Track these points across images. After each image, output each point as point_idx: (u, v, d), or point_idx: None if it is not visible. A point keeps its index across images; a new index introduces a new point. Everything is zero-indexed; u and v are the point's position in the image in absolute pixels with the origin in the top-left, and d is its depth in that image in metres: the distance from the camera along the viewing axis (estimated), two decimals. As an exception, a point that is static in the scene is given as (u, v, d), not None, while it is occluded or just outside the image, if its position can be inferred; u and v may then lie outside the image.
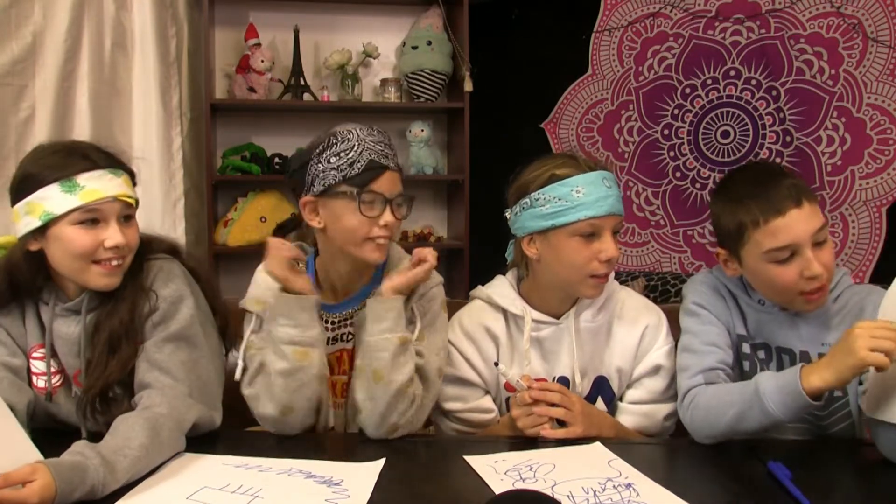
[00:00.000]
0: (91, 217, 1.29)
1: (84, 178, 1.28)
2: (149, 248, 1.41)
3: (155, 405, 1.26)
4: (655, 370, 1.49)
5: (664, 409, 1.49)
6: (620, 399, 1.52)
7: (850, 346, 1.19)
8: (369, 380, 1.37)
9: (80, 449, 1.10)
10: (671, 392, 1.48)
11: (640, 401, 1.50)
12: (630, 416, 1.50)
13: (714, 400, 1.34)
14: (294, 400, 1.38)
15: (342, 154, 1.38)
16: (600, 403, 1.51)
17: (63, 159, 1.30)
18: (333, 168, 1.38)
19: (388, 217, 1.39)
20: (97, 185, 1.29)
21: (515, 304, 1.51)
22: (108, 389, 1.31)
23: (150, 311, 1.35)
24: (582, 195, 1.40)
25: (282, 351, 1.37)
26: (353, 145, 1.38)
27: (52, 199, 1.27)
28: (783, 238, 1.33)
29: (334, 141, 1.39)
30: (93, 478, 1.07)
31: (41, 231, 1.29)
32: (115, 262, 1.31)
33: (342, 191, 1.38)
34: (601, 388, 1.52)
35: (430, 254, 1.43)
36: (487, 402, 1.51)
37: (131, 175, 1.38)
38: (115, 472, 1.10)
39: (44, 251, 1.32)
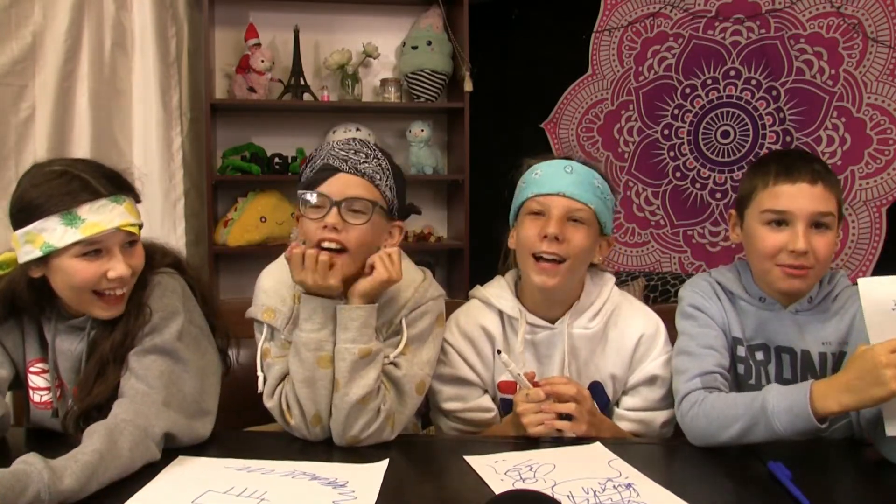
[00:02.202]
0: (93, 249, 1.27)
1: (85, 211, 1.25)
2: (151, 261, 1.39)
3: (121, 412, 1.24)
4: (652, 380, 1.48)
5: (661, 416, 1.48)
6: (616, 404, 1.52)
7: (878, 377, 1.15)
8: (334, 388, 1.36)
9: (25, 457, 1.08)
10: (668, 401, 1.47)
11: (637, 408, 1.49)
12: (627, 422, 1.49)
13: (717, 411, 1.31)
14: (321, 408, 1.35)
15: (310, 164, 1.40)
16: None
17: (63, 187, 1.25)
18: (303, 178, 1.40)
19: (329, 218, 1.33)
20: (98, 218, 1.26)
21: (511, 306, 1.51)
22: (92, 411, 1.29)
23: (141, 323, 1.33)
24: (538, 176, 1.45)
25: (307, 357, 1.34)
26: (322, 154, 1.39)
27: (52, 231, 1.24)
28: (783, 203, 1.36)
29: (314, 155, 1.41)
30: (36, 484, 1.03)
31: (43, 260, 1.27)
32: (118, 292, 1.31)
33: (301, 197, 1.37)
34: (595, 394, 1.48)
35: (378, 257, 1.36)
36: (487, 401, 1.51)
37: (135, 195, 1.35)
38: (61, 478, 1.06)
39: (46, 277, 1.30)
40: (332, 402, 1.34)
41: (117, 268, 1.28)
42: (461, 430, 1.51)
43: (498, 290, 1.54)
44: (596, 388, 1.50)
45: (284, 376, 1.39)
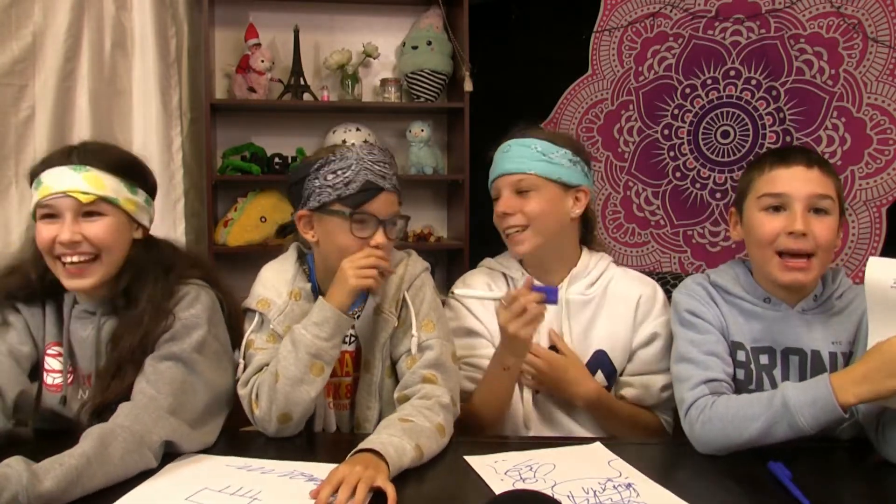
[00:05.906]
0: (48, 213, 1.32)
1: (45, 175, 1.32)
2: (174, 268, 1.40)
3: (120, 417, 1.24)
4: (651, 339, 1.55)
5: (660, 379, 1.54)
6: (622, 374, 1.58)
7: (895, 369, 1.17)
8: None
9: (8, 461, 1.07)
10: (666, 363, 1.50)
11: (637, 372, 1.55)
12: (629, 388, 1.56)
13: (731, 413, 1.28)
14: (294, 410, 1.36)
15: (339, 172, 1.38)
16: (600, 376, 1.56)
17: (49, 158, 1.34)
18: (329, 185, 1.38)
19: (379, 238, 1.39)
20: (50, 182, 1.31)
21: (516, 267, 1.61)
22: (106, 409, 1.29)
23: (163, 330, 1.33)
24: (492, 164, 1.60)
25: (303, 359, 1.34)
26: (351, 164, 1.38)
27: (32, 196, 1.34)
28: (779, 186, 1.36)
29: (333, 158, 1.39)
30: (14, 486, 1.02)
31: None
32: (72, 259, 1.31)
33: (336, 209, 1.38)
34: (601, 363, 1.56)
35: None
36: (491, 349, 1.55)
37: (129, 176, 1.38)
38: (42, 480, 1.05)
39: None
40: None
41: (63, 232, 1.30)
42: (470, 376, 1.55)
43: (503, 259, 1.66)
44: (601, 357, 1.55)
45: (263, 367, 1.41)
